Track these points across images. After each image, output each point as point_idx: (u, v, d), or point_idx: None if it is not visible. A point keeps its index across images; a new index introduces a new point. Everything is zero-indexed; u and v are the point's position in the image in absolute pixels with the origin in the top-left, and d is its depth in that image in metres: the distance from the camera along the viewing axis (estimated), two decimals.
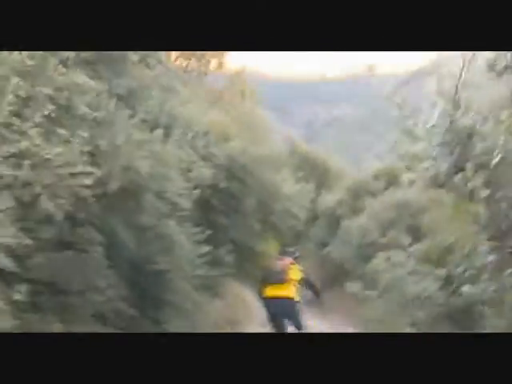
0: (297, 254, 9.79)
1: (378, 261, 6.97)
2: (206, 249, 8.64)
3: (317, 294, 9.59)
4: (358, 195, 17.08)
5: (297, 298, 8.81)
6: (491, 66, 4.11)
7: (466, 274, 5.00)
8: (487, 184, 3.37)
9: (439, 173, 3.51)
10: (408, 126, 3.46)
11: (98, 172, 5.65)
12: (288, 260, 9.13)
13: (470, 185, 3.36)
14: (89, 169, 5.50)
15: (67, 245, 6.48)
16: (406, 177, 17.15)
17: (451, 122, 3.38)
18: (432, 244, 6.02)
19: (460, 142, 3.38)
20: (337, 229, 15.81)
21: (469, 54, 3.79)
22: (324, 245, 16.89)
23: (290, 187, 11.82)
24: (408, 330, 6.60)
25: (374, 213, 13.05)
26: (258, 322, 12.34)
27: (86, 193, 5.82)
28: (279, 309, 8.76)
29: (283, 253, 9.74)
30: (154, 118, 8.44)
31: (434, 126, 3.50)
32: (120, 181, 6.55)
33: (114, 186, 6.47)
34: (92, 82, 6.08)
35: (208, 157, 9.68)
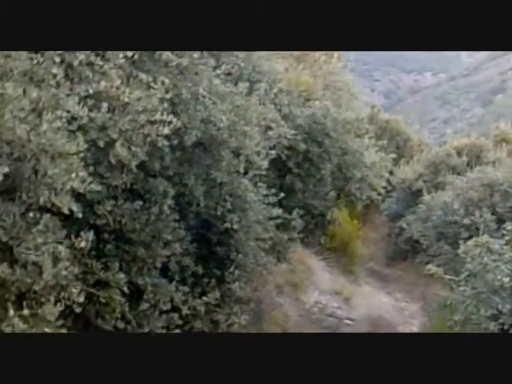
0: None
1: (470, 245, 6.44)
2: (277, 211, 8.31)
3: None
4: (438, 170, 16.39)
5: None
6: None
7: None
8: None
9: None
10: None
11: (177, 122, 5.34)
12: None
13: None
14: (168, 117, 5.20)
15: (138, 194, 6.28)
16: (492, 155, 16.42)
17: None
18: None
19: None
20: (413, 203, 15.21)
21: None
22: (396, 218, 16.34)
23: (370, 156, 11.30)
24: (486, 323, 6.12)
25: (458, 190, 12.35)
26: (318, 288, 12.18)
27: (163, 142, 5.56)
28: None
29: None
30: (239, 70, 8.08)
31: None
32: (198, 133, 6.26)
33: (192, 138, 6.18)
34: None
35: (289, 116, 9.26)
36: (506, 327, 5.75)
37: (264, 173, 8.00)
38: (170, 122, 5.19)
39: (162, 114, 5.15)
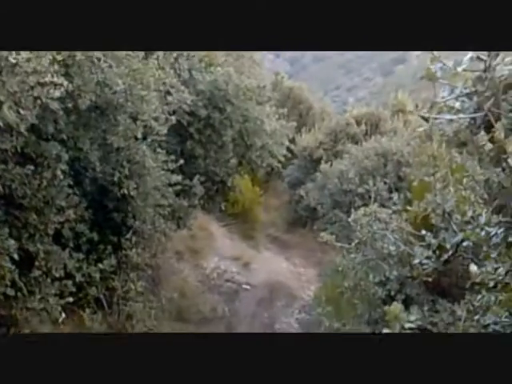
0: None
1: (359, 214, 6.61)
2: (177, 178, 8.24)
3: None
4: (338, 138, 16.70)
5: None
6: None
7: (464, 244, 4.66)
8: None
9: (460, 129, 3.02)
10: (433, 69, 2.95)
11: (68, 85, 5.16)
12: None
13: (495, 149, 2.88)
14: (59, 79, 5.01)
15: (30, 159, 6.06)
16: (389, 125, 16.92)
17: (486, 70, 2.84)
18: (421, 205, 5.63)
19: (494, 95, 2.86)
20: (313, 171, 15.49)
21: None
22: (297, 185, 16.60)
23: (272, 123, 11.34)
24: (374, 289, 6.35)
25: (354, 159, 12.68)
26: (218, 254, 12.28)
27: (55, 106, 5.37)
28: None
29: None
30: None
31: (464, 70, 2.95)
32: (93, 97, 6.09)
33: (86, 101, 6.01)
34: None
35: (190, 82, 9.15)
36: (392, 293, 5.98)
37: (164, 139, 7.90)
38: (61, 85, 5.01)
39: (53, 76, 4.96)
